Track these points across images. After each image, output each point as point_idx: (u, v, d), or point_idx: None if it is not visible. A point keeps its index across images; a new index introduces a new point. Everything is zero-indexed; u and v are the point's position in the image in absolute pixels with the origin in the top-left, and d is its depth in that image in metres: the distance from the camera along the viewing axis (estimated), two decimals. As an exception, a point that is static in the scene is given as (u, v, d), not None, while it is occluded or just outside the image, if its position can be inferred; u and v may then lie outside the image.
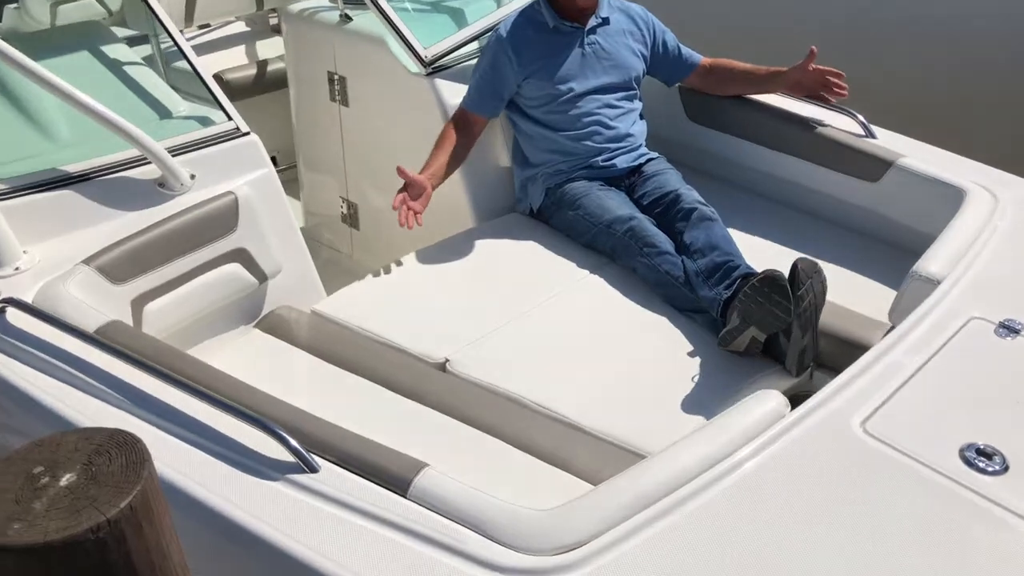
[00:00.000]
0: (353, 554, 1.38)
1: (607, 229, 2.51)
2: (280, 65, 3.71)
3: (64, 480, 1.02)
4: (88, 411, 1.65)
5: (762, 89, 2.80)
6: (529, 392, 2.05)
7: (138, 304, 2.11)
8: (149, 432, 1.58)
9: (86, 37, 2.64)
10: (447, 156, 2.60)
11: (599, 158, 2.67)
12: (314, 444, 1.55)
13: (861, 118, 2.65)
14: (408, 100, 2.84)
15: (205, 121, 2.44)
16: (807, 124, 2.69)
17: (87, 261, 2.04)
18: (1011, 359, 1.76)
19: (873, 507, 1.46)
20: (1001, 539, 1.42)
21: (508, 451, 1.90)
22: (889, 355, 1.75)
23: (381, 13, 2.74)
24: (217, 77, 3.58)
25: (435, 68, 2.78)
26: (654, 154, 2.75)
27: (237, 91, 3.59)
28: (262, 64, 3.79)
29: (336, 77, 3.04)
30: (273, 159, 3.73)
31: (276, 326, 2.35)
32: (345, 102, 3.06)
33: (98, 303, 1.95)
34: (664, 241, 2.42)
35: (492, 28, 2.86)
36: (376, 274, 2.53)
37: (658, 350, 2.22)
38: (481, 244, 2.62)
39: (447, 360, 2.18)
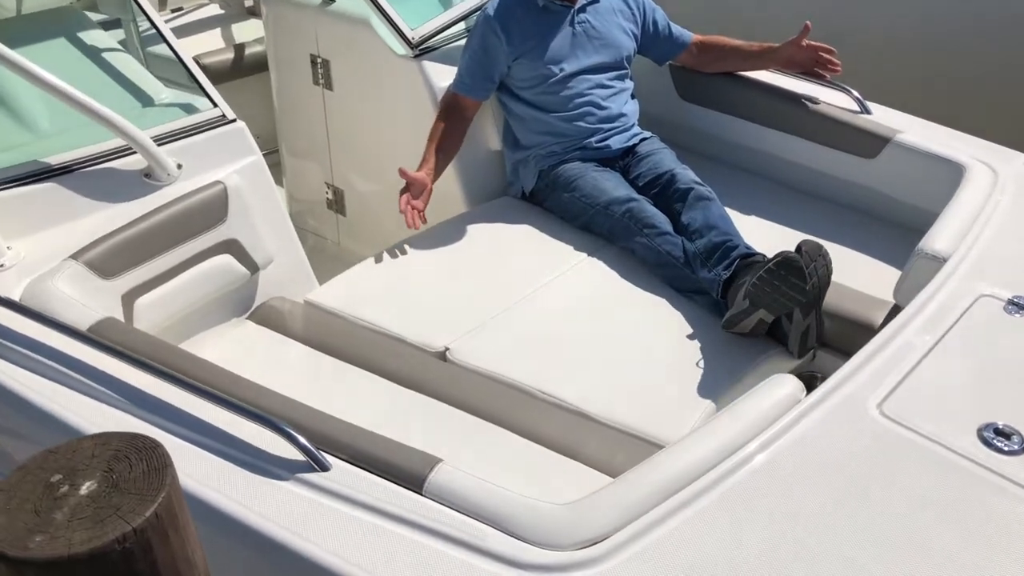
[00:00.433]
0: (369, 554, 1.35)
1: (604, 210, 2.48)
2: (258, 48, 3.63)
3: (84, 488, 0.99)
4: (86, 413, 1.60)
5: (755, 65, 2.77)
6: (532, 379, 2.02)
7: (129, 299, 2.05)
8: (150, 433, 1.52)
9: (61, 23, 2.55)
10: (443, 147, 2.56)
11: (593, 139, 2.63)
12: (323, 442, 1.51)
13: (856, 94, 2.63)
14: (395, 83, 2.78)
15: (189, 108, 2.37)
16: (801, 101, 2.66)
17: (75, 256, 1.98)
18: (1021, 336, 1.75)
19: (894, 490, 1.44)
20: (1021, 519, 1.41)
21: (515, 441, 1.87)
22: (900, 335, 1.74)
23: (366, -7, 2.67)
24: (194, 62, 3.49)
25: (422, 50, 2.72)
26: (647, 134, 2.72)
27: (215, 76, 3.48)
28: (239, 48, 3.70)
29: (319, 60, 2.97)
30: None
31: (269, 317, 2.30)
32: (329, 86, 2.99)
33: (88, 299, 1.89)
34: (663, 221, 2.39)
35: (480, 8, 2.80)
36: (368, 262, 2.48)
37: (659, 333, 2.20)
38: (474, 229, 2.58)
39: (447, 349, 2.14)
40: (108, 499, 0.97)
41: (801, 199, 2.66)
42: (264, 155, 3.65)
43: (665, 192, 2.50)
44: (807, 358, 2.19)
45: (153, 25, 2.41)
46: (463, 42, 2.74)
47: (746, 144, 2.79)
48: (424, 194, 2.45)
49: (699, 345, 2.15)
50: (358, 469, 1.47)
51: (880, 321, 2.13)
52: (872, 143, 2.52)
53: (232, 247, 2.25)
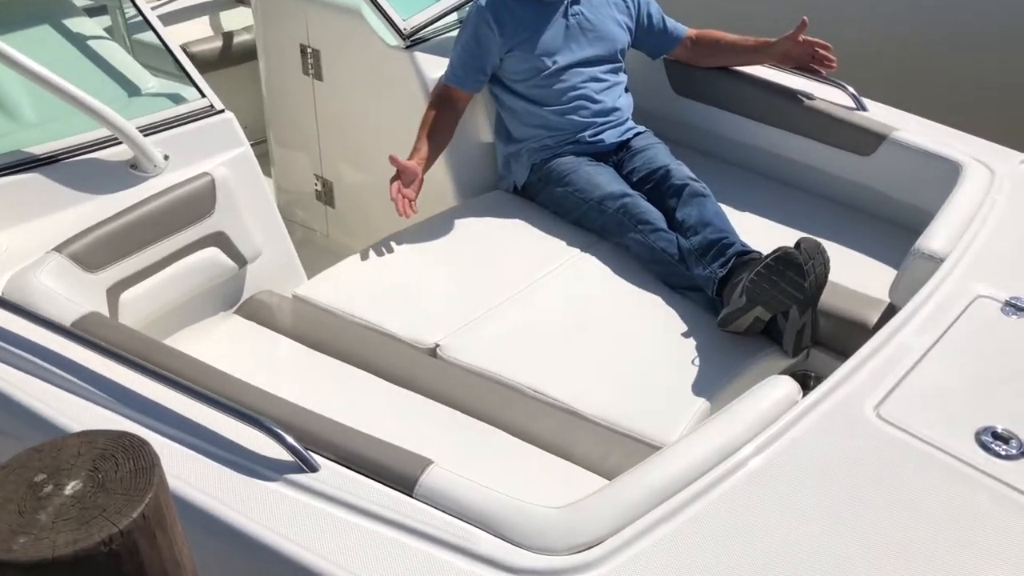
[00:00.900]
0: (359, 557, 1.32)
1: (598, 206, 2.45)
2: (246, 37, 3.58)
3: (69, 488, 0.96)
4: (70, 410, 1.56)
5: (750, 60, 2.75)
6: (524, 377, 2.00)
7: (114, 293, 2.01)
8: (135, 431, 1.49)
9: (45, 9, 2.49)
10: (434, 138, 2.53)
11: (586, 133, 2.61)
12: (312, 441, 1.48)
13: (852, 90, 2.61)
14: (386, 74, 2.74)
15: (177, 98, 2.32)
16: (796, 96, 2.64)
17: (59, 249, 1.93)
18: (1019, 338, 1.74)
19: (891, 494, 1.43)
20: (1019, 525, 1.39)
21: (506, 440, 1.84)
22: (897, 337, 1.72)
23: (358, -17, 2.63)
24: (182, 50, 3.44)
25: (414, 40, 2.68)
26: (641, 128, 2.69)
27: (203, 64, 3.44)
28: (228, 36, 3.65)
29: (309, 50, 2.93)
30: None
31: (257, 312, 2.27)
32: (319, 76, 2.95)
33: (72, 293, 1.85)
34: (658, 218, 2.37)
35: (473, -2, 2.77)
36: (357, 256, 2.45)
37: (653, 330, 2.18)
38: (465, 223, 2.55)
39: (438, 345, 2.11)
40: (94, 499, 0.95)
41: (796, 196, 2.64)
42: (252, 145, 3.60)
43: (659, 188, 2.47)
44: (801, 357, 2.18)
45: (140, 12, 2.37)
46: (455, 33, 2.70)
47: (740, 140, 2.77)
48: (415, 183, 2.41)
49: (693, 343, 2.13)
50: (347, 470, 1.44)
51: (875, 320, 2.11)
52: (868, 140, 2.50)
53: (220, 240, 2.21)
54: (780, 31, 2.67)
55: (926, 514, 1.40)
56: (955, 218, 2.07)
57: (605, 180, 2.49)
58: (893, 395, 1.60)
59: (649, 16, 2.74)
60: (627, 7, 2.70)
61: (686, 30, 2.79)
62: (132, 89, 2.36)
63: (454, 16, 2.79)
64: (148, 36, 2.43)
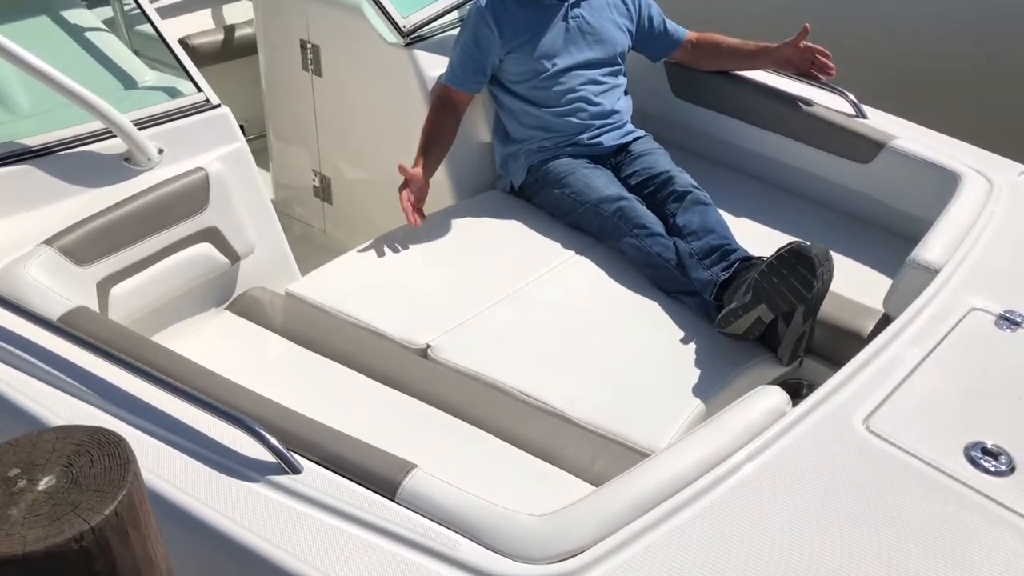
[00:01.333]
0: (338, 561, 1.31)
1: (594, 208, 2.44)
2: (248, 31, 3.57)
3: (43, 484, 0.96)
4: (53, 405, 1.55)
5: (750, 65, 2.73)
6: (514, 380, 1.99)
7: (104, 287, 2.00)
8: (117, 428, 1.49)
9: (44, 1, 2.49)
10: (438, 142, 2.53)
11: (584, 135, 2.59)
12: (296, 443, 1.47)
13: (852, 97, 2.59)
14: (385, 71, 2.73)
15: (173, 92, 2.31)
16: (796, 102, 2.62)
17: (49, 242, 1.93)
18: (1012, 353, 1.73)
19: (877, 508, 1.42)
20: (1006, 543, 1.38)
21: (494, 444, 1.83)
22: (889, 348, 1.71)
23: (358, -21, 2.62)
24: (182, 43, 3.43)
25: (414, 38, 2.67)
26: (641, 132, 2.67)
27: (203, 57, 3.44)
28: (229, 29, 3.64)
29: (309, 45, 2.92)
30: (241, 128, 3.63)
31: (249, 308, 2.26)
32: (318, 72, 2.94)
33: (62, 287, 1.85)
34: (654, 222, 2.35)
35: (474, -3, 2.75)
36: (352, 253, 2.44)
37: (646, 335, 2.16)
38: (461, 223, 2.54)
39: (429, 346, 2.10)
40: (66, 496, 0.94)
41: (793, 202, 2.63)
42: (251, 140, 3.60)
43: (659, 193, 2.46)
44: (794, 365, 2.16)
45: (138, 4, 2.36)
46: (455, 32, 2.69)
47: (739, 144, 2.75)
48: (422, 190, 2.42)
49: (686, 349, 2.12)
50: (330, 473, 1.43)
51: (869, 330, 2.10)
52: (867, 148, 2.49)
53: (212, 235, 2.20)
54: (781, 38, 2.65)
55: (913, 529, 1.39)
56: (952, 229, 2.05)
57: (602, 183, 2.48)
58: (883, 407, 1.58)
59: (650, 19, 2.72)
60: (628, 10, 2.69)
61: (687, 33, 2.77)
62: (128, 82, 2.35)
63: (454, 15, 2.78)
64: (148, 28, 2.42)
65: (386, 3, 2.64)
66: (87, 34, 2.42)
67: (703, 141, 2.82)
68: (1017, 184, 2.27)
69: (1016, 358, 1.72)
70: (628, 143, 2.63)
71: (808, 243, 2.04)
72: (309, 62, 2.94)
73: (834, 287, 2.18)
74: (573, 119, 2.59)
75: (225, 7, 3.92)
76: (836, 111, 2.58)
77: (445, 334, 2.12)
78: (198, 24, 3.75)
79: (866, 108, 2.58)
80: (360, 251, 2.44)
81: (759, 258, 2.16)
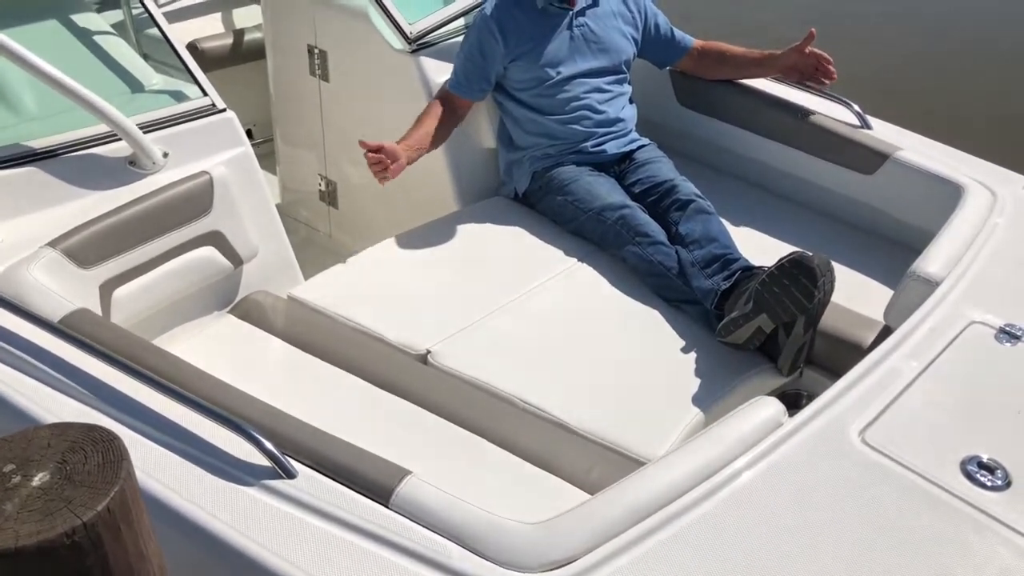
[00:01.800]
0: (329, 566, 1.32)
1: (597, 216, 2.44)
2: (258, 35, 3.59)
3: (37, 480, 0.97)
4: (51, 405, 1.57)
5: (756, 73, 2.73)
6: (513, 387, 1.99)
7: (107, 289, 2.01)
8: (114, 429, 1.49)
9: (55, 4, 2.51)
10: (427, 132, 2.49)
11: (588, 143, 2.60)
12: (291, 447, 1.47)
13: (857, 108, 2.59)
14: (391, 77, 2.74)
15: (179, 96, 2.33)
16: (801, 112, 2.62)
17: (53, 244, 1.94)
18: (1011, 367, 1.72)
19: (871, 521, 1.41)
20: (1001, 557, 1.38)
21: (491, 451, 1.84)
22: (888, 360, 1.70)
23: (365, -14, 2.63)
24: (192, 46, 3.45)
25: (420, 45, 2.68)
26: (645, 140, 2.68)
27: (212, 61, 3.46)
28: (239, 33, 3.66)
29: (316, 51, 2.93)
30: (249, 132, 3.64)
31: (251, 312, 2.27)
32: (325, 77, 2.95)
33: (64, 289, 1.86)
34: (657, 231, 2.36)
35: (479, 4, 2.76)
36: (355, 258, 2.45)
37: (646, 343, 2.16)
38: (465, 228, 2.54)
39: (429, 352, 2.11)
40: (60, 491, 0.96)
41: (796, 212, 2.63)
42: (259, 143, 3.62)
43: (663, 201, 2.46)
44: (794, 376, 2.16)
45: (145, 9, 2.37)
46: (461, 39, 2.70)
47: (744, 153, 2.75)
48: (395, 166, 2.33)
49: (686, 358, 2.12)
50: (324, 477, 1.44)
51: (869, 341, 2.09)
52: (871, 159, 2.48)
53: (216, 239, 2.21)
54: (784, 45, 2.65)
55: (908, 542, 1.38)
56: (953, 241, 2.04)
57: (605, 191, 2.48)
58: (880, 420, 1.58)
59: (656, 27, 2.73)
60: (633, 18, 2.69)
61: (693, 41, 2.77)
62: (135, 85, 2.37)
63: (460, 21, 2.79)
64: (158, 32, 2.43)
65: (393, 10, 2.65)
66: (95, 38, 2.44)
67: (707, 150, 2.82)
68: (1021, 197, 2.26)
69: (1015, 372, 1.71)
70: (632, 151, 2.64)
71: (810, 253, 2.04)
72: (316, 67, 2.96)
73: (836, 298, 2.18)
74: (577, 127, 2.59)
75: (235, 11, 3.94)
76: (841, 122, 2.58)
77: (445, 340, 2.13)
78: (208, 28, 3.77)
79: (871, 119, 2.58)
80: (363, 256, 2.44)
81: (760, 268, 2.16)
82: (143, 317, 2.10)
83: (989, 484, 1.47)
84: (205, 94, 2.31)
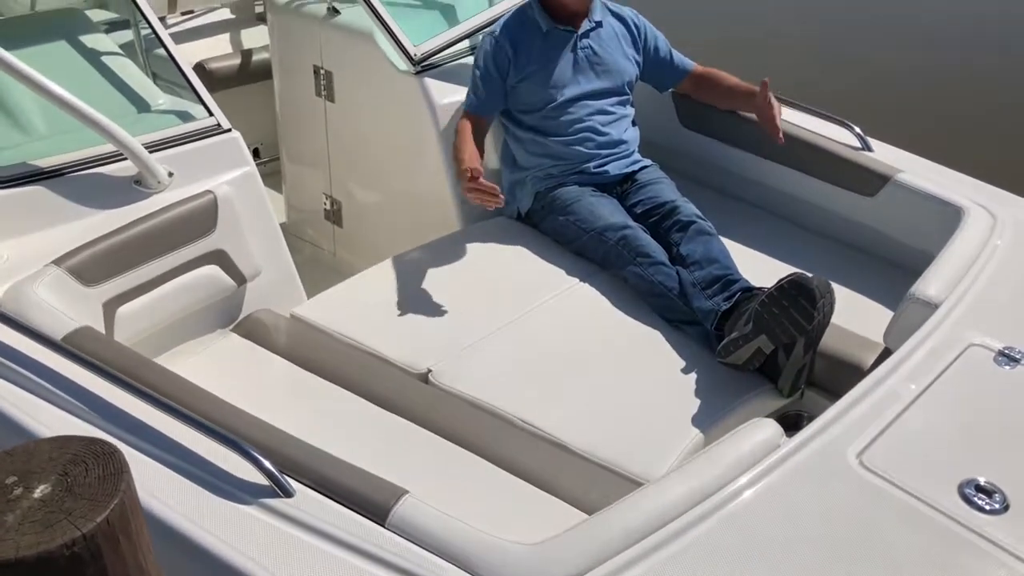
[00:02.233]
0: (327, 585, 1.32)
1: (599, 236, 2.45)
2: (265, 55, 3.62)
3: (38, 492, 0.98)
4: (52, 422, 1.58)
5: (737, 106, 2.74)
6: (514, 407, 1.99)
7: (110, 307, 2.03)
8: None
9: (65, 25, 2.54)
10: (474, 151, 2.47)
11: (591, 164, 2.61)
12: (289, 466, 1.48)
13: (858, 130, 2.60)
14: (396, 98, 2.77)
15: (185, 116, 2.35)
16: (802, 134, 2.63)
17: (57, 262, 1.96)
18: (1011, 390, 1.72)
19: (868, 544, 1.41)
20: (999, 581, 1.37)
21: (490, 471, 1.84)
22: (886, 382, 1.70)
23: (370, 8, 2.66)
24: (200, 66, 3.49)
25: (424, 66, 2.70)
26: (647, 161, 2.69)
27: (220, 81, 3.50)
28: (246, 53, 3.70)
29: (322, 71, 2.96)
30: (256, 151, 3.68)
31: (254, 330, 2.28)
32: (331, 97, 2.98)
33: (68, 306, 1.88)
34: (658, 251, 2.37)
35: (484, 27, 2.79)
36: (358, 277, 2.46)
37: (647, 364, 2.17)
38: (468, 248, 2.56)
39: (430, 371, 2.11)
40: (60, 503, 0.97)
41: (798, 233, 2.63)
42: (266, 162, 3.65)
43: (664, 222, 2.47)
44: (795, 397, 2.16)
45: (153, 30, 2.40)
46: (464, 61, 2.73)
47: (745, 175, 2.76)
48: (492, 185, 2.29)
49: (687, 378, 2.12)
50: (322, 496, 1.44)
51: (870, 363, 2.09)
52: (872, 181, 2.49)
53: (219, 258, 2.23)
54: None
55: (905, 566, 1.38)
56: (953, 264, 2.05)
57: (607, 211, 2.50)
58: (878, 442, 1.58)
59: (656, 50, 2.75)
60: (635, 41, 2.72)
61: (693, 65, 2.80)
62: (142, 105, 2.40)
63: (464, 44, 2.81)
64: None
65: (397, 31, 2.67)
66: (103, 59, 2.47)
67: (709, 171, 2.84)
68: (1021, 220, 2.27)
69: (1014, 395, 1.71)
70: (634, 172, 2.65)
71: (809, 275, 2.04)
72: (322, 88, 2.99)
73: (836, 319, 2.18)
74: (580, 148, 2.61)
75: (243, 32, 3.99)
76: (842, 144, 2.59)
77: (446, 359, 2.14)
78: (217, 48, 3.82)
79: (872, 141, 2.59)
80: (366, 274, 2.46)
81: (761, 289, 2.16)
82: (146, 335, 2.12)
83: (987, 508, 1.47)
84: (211, 114, 2.33)
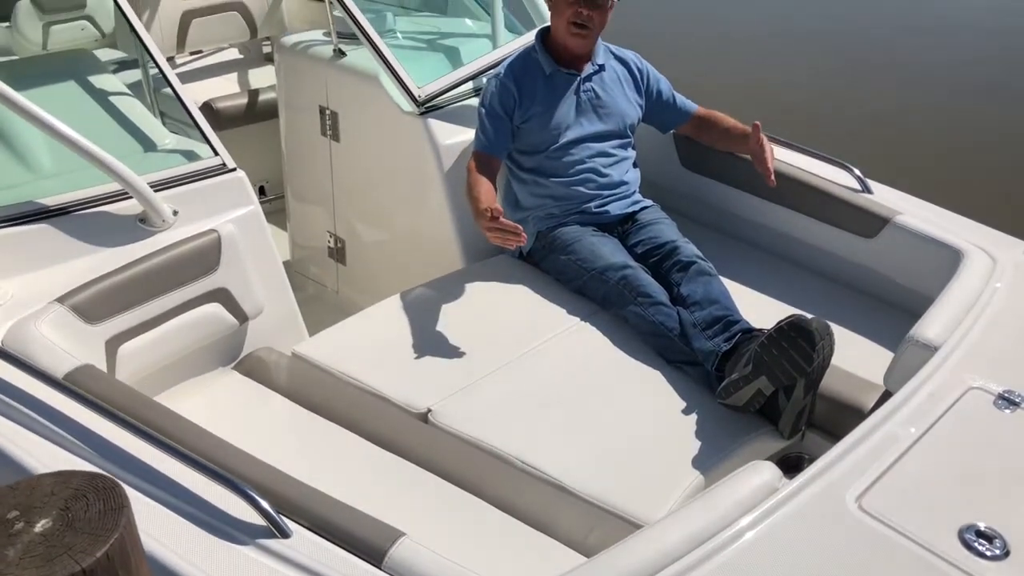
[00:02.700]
0: (323, 628, 1.32)
1: (599, 276, 2.46)
2: (272, 95, 3.68)
3: (39, 526, 0.99)
4: (51, 461, 1.58)
5: (734, 148, 2.76)
6: (513, 448, 1.99)
7: (112, 345, 2.04)
8: None
9: (74, 66, 2.59)
10: (490, 191, 2.47)
11: (592, 204, 2.63)
12: (286, 506, 1.48)
13: (858, 172, 2.62)
14: (400, 139, 2.80)
15: (191, 155, 2.38)
16: (802, 176, 2.65)
17: (61, 299, 1.97)
18: (1011, 433, 1.71)
19: None
20: (1000, 628, 1.36)
21: (490, 512, 1.83)
22: (886, 425, 1.70)
23: (375, 50, 2.70)
24: (207, 105, 3.54)
25: (428, 108, 2.74)
26: (648, 202, 2.71)
27: (228, 119, 3.55)
28: (254, 93, 3.75)
29: (328, 112, 3.00)
30: (261, 189, 3.72)
31: (255, 368, 2.29)
32: (336, 137, 3.01)
33: (70, 345, 1.89)
34: (658, 291, 2.37)
35: (487, 69, 2.83)
36: (360, 315, 2.47)
37: (647, 405, 2.17)
38: (469, 287, 2.57)
39: (430, 410, 2.12)
40: (61, 538, 0.98)
41: (798, 274, 2.64)
42: (271, 200, 3.68)
43: (665, 262, 2.48)
44: (795, 439, 2.15)
45: (160, 70, 2.44)
46: (467, 103, 2.76)
47: (746, 216, 2.78)
48: (514, 223, 2.29)
49: (687, 419, 2.12)
50: (319, 538, 1.44)
51: (870, 405, 2.09)
52: (872, 223, 2.51)
53: (222, 296, 2.24)
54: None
55: None
56: (952, 306, 2.05)
57: (608, 251, 2.51)
58: (877, 485, 1.57)
59: (659, 92, 2.78)
60: (637, 84, 2.75)
61: (695, 108, 2.82)
62: (148, 144, 2.42)
63: (468, 85, 2.85)
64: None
65: (402, 73, 2.71)
66: (112, 98, 2.51)
67: (710, 212, 2.86)
68: (1021, 263, 2.27)
69: (1014, 439, 1.70)
70: (635, 212, 2.67)
71: (808, 316, 2.05)
72: (327, 127, 3.02)
73: (837, 361, 2.18)
74: (581, 188, 2.63)
75: (251, 72, 4.04)
76: (842, 185, 2.61)
77: (446, 399, 2.14)
78: (225, 87, 3.87)
79: (871, 183, 2.61)
80: (368, 312, 2.47)
81: (761, 330, 2.17)
82: (148, 372, 2.13)
83: (988, 553, 1.46)
84: (216, 153, 2.36)
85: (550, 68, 2.63)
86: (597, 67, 2.68)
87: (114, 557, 0.97)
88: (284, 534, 1.43)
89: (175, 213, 2.24)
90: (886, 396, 2.04)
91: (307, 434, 2.05)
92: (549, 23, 2.67)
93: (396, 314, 2.45)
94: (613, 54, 2.75)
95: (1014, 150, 5.17)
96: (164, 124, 2.64)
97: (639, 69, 2.76)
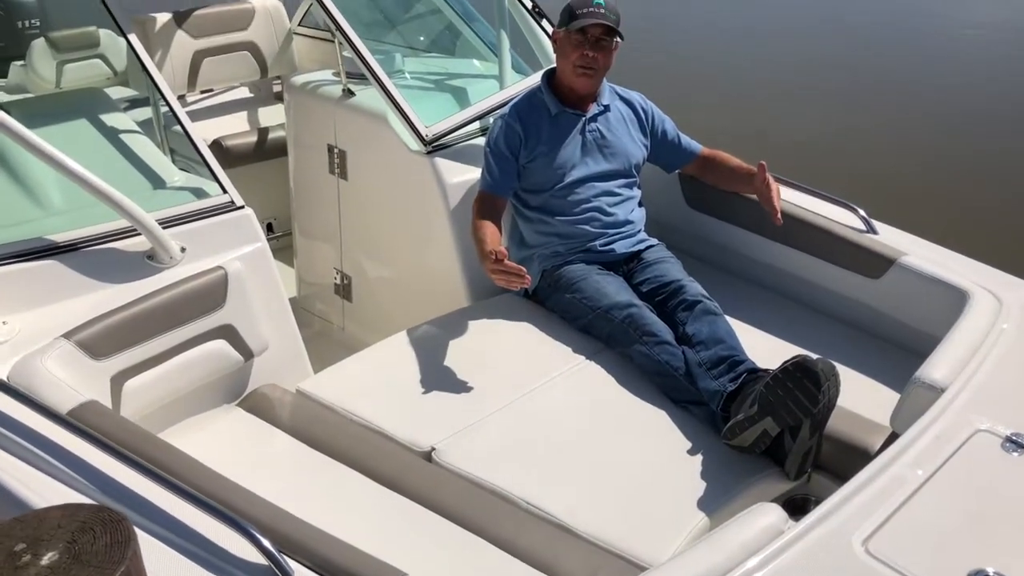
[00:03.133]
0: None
1: (605, 314, 2.46)
2: (281, 133, 3.71)
3: (46, 559, 1.00)
4: (54, 498, 1.57)
5: (739, 188, 2.77)
6: (517, 488, 1.98)
7: (118, 381, 2.04)
8: None
9: (86, 104, 2.62)
10: (495, 232, 2.51)
11: (597, 242, 2.64)
12: (288, 545, 1.47)
13: (863, 213, 2.63)
14: (407, 177, 2.82)
15: (199, 193, 2.40)
16: (808, 216, 2.66)
17: (68, 335, 1.98)
18: (1018, 476, 1.70)
19: None
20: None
21: (493, 553, 1.82)
22: (892, 467, 1.69)
23: (383, 89, 2.73)
24: (217, 143, 3.58)
25: (436, 147, 2.76)
26: (653, 241, 2.72)
27: (237, 157, 3.58)
28: (263, 131, 3.79)
29: (336, 150, 3.03)
30: (269, 226, 3.74)
31: (259, 405, 2.29)
32: (344, 175, 3.04)
33: (76, 380, 1.89)
34: (664, 330, 2.37)
35: (494, 109, 2.86)
36: (365, 353, 2.47)
37: (652, 444, 2.16)
38: (474, 324, 2.57)
39: (433, 449, 2.11)
40: (67, 570, 0.98)
41: (804, 315, 2.64)
42: (279, 236, 3.70)
43: (670, 301, 2.49)
44: (801, 480, 2.14)
45: (170, 108, 2.47)
46: (474, 142, 2.78)
47: (751, 256, 2.79)
48: (518, 266, 2.33)
49: (692, 460, 2.11)
50: None
51: (877, 447, 2.08)
52: (877, 263, 2.51)
53: (228, 333, 2.25)
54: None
55: None
56: (958, 348, 2.04)
57: (613, 289, 2.51)
58: (884, 529, 1.56)
59: (664, 132, 2.81)
60: (642, 124, 2.77)
61: (700, 148, 2.84)
62: (157, 182, 2.45)
63: (475, 125, 2.87)
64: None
65: (410, 112, 2.74)
66: (122, 136, 2.54)
67: (715, 251, 2.86)
68: (1027, 303, 2.27)
69: (1022, 481, 1.69)
70: (640, 251, 2.68)
71: (814, 357, 2.04)
72: (335, 165, 3.05)
73: (843, 402, 2.17)
74: (587, 227, 2.64)
75: (260, 110, 4.09)
76: (847, 226, 2.61)
77: (450, 437, 2.13)
78: (234, 126, 3.91)
79: (877, 223, 2.61)
80: (373, 350, 2.47)
81: (766, 370, 2.16)
82: (152, 409, 2.13)
83: (996, 600, 1.44)
84: (225, 191, 2.38)
85: (556, 108, 2.66)
86: (602, 107, 2.71)
87: None
88: (286, 574, 1.42)
89: (183, 250, 2.25)
90: (893, 437, 2.03)
91: (310, 472, 2.04)
92: (555, 64, 2.70)
93: (401, 351, 2.45)
94: (618, 95, 2.78)
95: (1019, 189, 5.20)
96: (174, 161, 2.67)
97: (644, 109, 2.79)
